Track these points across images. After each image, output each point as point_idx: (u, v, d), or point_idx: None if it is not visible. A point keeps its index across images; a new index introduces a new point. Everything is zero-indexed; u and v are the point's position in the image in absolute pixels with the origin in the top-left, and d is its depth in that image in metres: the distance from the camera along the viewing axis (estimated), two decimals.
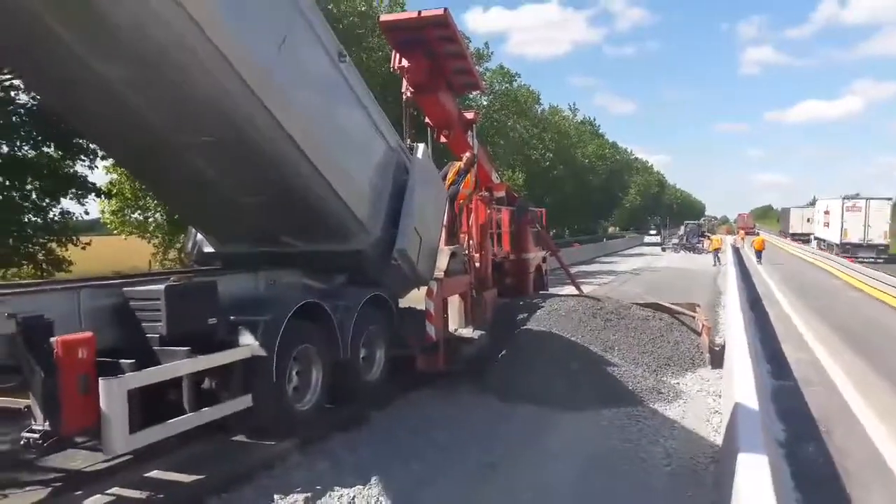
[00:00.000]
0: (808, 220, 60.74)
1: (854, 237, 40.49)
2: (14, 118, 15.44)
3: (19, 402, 4.84)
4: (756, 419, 5.67)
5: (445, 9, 10.19)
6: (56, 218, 17.04)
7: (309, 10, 6.45)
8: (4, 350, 4.66)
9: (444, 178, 10.84)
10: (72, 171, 16.77)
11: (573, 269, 17.59)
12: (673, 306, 11.89)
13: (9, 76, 14.13)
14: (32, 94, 12.73)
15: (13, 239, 16.04)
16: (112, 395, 4.63)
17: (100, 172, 17.63)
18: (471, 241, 10.97)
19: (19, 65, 6.11)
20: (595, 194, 61.23)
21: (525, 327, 10.08)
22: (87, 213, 18.29)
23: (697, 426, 7.54)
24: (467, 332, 9.29)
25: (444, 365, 8.61)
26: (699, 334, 11.04)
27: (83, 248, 17.62)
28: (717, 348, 10.66)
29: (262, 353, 5.98)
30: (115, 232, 23.36)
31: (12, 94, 15.00)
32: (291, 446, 6.25)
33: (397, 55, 10.98)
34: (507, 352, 9.24)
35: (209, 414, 5.58)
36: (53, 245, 17.13)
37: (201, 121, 5.79)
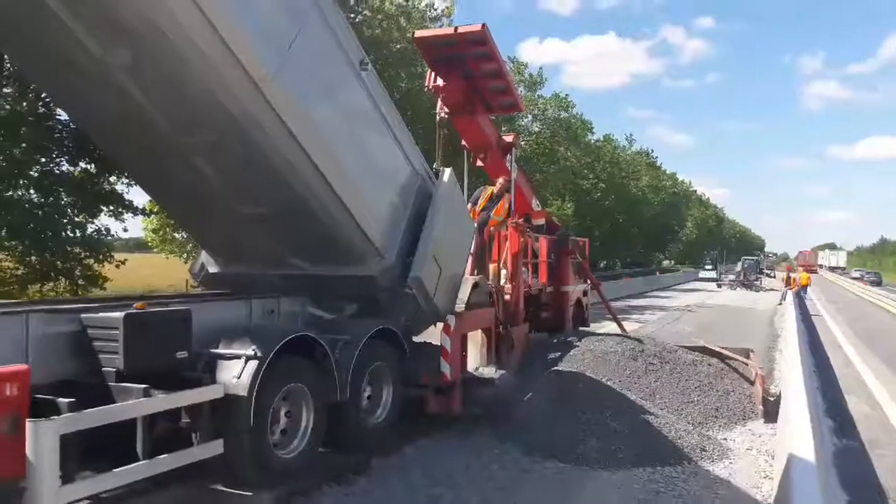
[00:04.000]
0: None
1: None
2: (55, 134, 15.48)
3: None
4: (815, 487, 4.77)
5: (483, 24, 9.72)
6: (93, 234, 16.99)
7: (327, 8, 5.94)
8: None
9: (476, 202, 10.21)
10: (108, 187, 16.71)
11: (622, 304, 16.57)
12: (724, 351, 10.80)
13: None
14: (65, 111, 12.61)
15: (50, 254, 16.01)
16: (41, 440, 3.99)
17: (139, 190, 17.46)
18: (502, 272, 10.22)
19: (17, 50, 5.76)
20: (649, 226, 59.64)
21: (555, 368, 9.17)
22: (125, 230, 18.27)
23: (745, 494, 6.53)
24: (488, 371, 8.47)
25: (459, 408, 7.79)
26: (752, 383, 9.94)
27: (118, 266, 17.50)
28: (772, 399, 9.60)
29: (239, 392, 5.27)
30: (156, 251, 23.43)
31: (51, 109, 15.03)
32: (270, 500, 5.50)
33: (432, 73, 10.54)
34: (533, 396, 8.36)
35: (168, 462, 4.87)
36: (91, 261, 17.06)
37: (203, 119, 5.35)
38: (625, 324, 13.99)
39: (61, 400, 4.30)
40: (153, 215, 20.45)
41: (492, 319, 9.05)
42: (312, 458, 6.11)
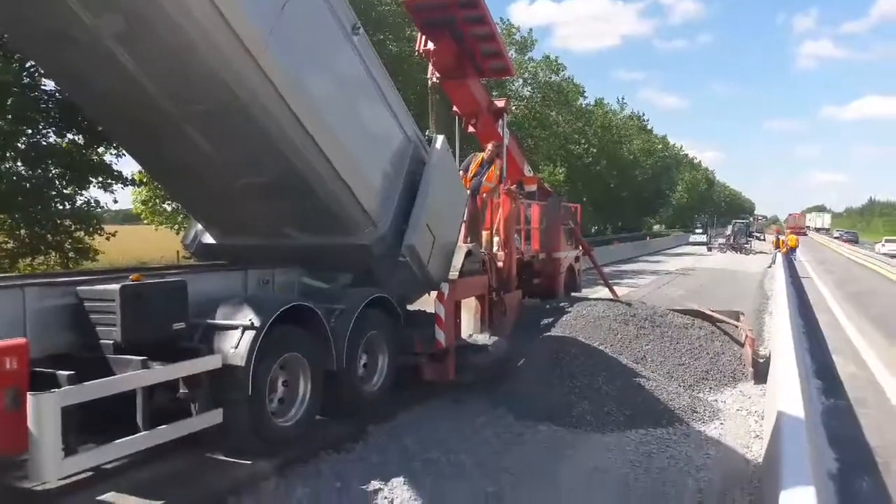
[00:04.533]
0: None
1: None
2: (41, 105, 15.24)
3: None
4: (803, 446, 4.84)
5: None
6: (82, 206, 16.82)
7: None
8: None
9: (467, 169, 10.17)
10: (96, 158, 16.51)
11: (613, 269, 16.65)
12: (714, 314, 10.93)
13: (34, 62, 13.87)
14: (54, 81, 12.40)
15: (39, 227, 15.88)
16: (42, 413, 4.02)
17: (128, 160, 17.28)
18: (494, 238, 10.24)
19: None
20: (641, 191, 59.63)
21: (547, 334, 9.26)
22: (115, 201, 18.10)
23: (735, 453, 6.67)
24: (482, 338, 8.53)
25: (454, 375, 7.87)
26: (742, 345, 10.08)
27: (107, 239, 17.39)
28: (762, 360, 9.74)
29: (237, 362, 5.31)
30: (146, 222, 23.25)
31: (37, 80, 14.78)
32: (269, 467, 5.57)
33: (422, 37, 10.37)
34: (525, 361, 8.45)
35: (168, 432, 4.94)
36: (81, 234, 16.93)
37: (194, 85, 5.30)
38: (616, 288, 14.10)
39: (61, 373, 4.33)
40: (142, 186, 20.25)
41: (485, 286, 9.08)
42: (310, 426, 6.19)
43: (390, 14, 23.02)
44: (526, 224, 11.90)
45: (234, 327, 5.46)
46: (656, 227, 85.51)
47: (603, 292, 13.71)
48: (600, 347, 8.92)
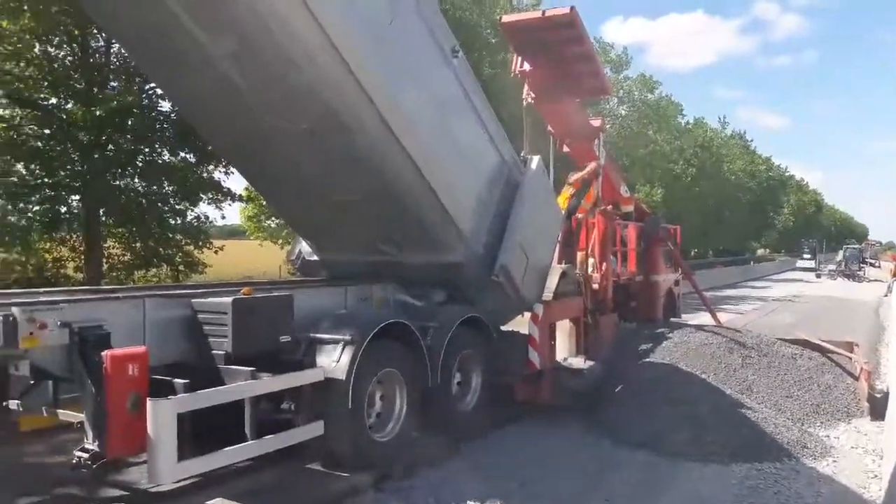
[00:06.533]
0: None
1: None
2: (157, 125, 16.29)
3: (78, 417, 4.60)
4: None
5: (572, 7, 9.49)
6: (192, 221, 17.78)
7: None
8: (61, 361, 4.44)
9: (563, 190, 10.08)
10: (206, 175, 17.45)
11: (715, 294, 16.03)
12: (825, 344, 10.29)
13: (152, 85, 14.88)
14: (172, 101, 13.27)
15: (153, 241, 16.90)
16: (160, 419, 4.26)
17: (236, 178, 18.18)
18: (590, 260, 10.08)
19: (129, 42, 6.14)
20: (743, 213, 57.19)
21: (647, 360, 8.99)
22: (223, 217, 18.99)
23: (851, 493, 6.24)
24: (577, 361, 8.40)
25: (549, 397, 7.77)
26: (856, 378, 9.43)
27: (216, 253, 18.28)
28: (879, 395, 9.06)
29: (338, 376, 5.46)
30: (251, 237, 24.33)
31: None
32: (367, 481, 5.67)
33: (518, 58, 10.41)
34: (624, 387, 8.23)
35: (274, 442, 5.12)
36: (191, 248, 17.90)
37: (298, 104, 5.54)
38: (719, 315, 13.54)
39: (177, 380, 4.57)
40: (249, 202, 21.19)
41: (580, 309, 8.95)
42: (406, 441, 6.26)
43: (486, 35, 23.23)
44: (622, 245, 11.65)
45: (336, 342, 5.61)
46: (760, 252, 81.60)
47: (704, 318, 13.19)
48: (702, 376, 8.58)
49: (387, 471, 5.88)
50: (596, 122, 11.44)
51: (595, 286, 9.75)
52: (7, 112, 14.40)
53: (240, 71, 5.22)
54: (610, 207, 10.99)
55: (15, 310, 4.26)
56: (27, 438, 5.36)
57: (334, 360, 5.51)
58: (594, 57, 10.70)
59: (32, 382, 4.83)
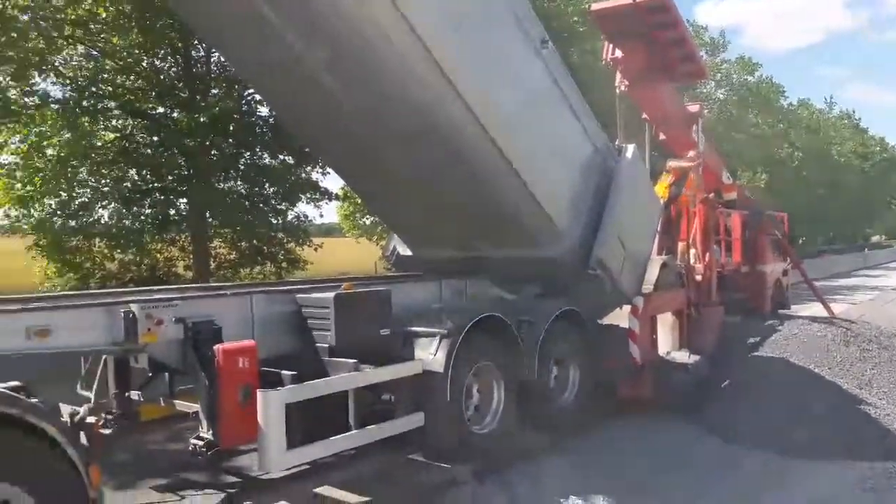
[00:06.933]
0: None
1: None
2: (256, 129, 16.98)
3: (193, 407, 4.85)
4: None
5: None
6: (292, 220, 18.44)
7: None
8: (177, 354, 4.68)
9: (660, 178, 9.78)
10: (304, 176, 18.04)
11: (827, 284, 15.14)
12: None
13: (251, 91, 15.50)
14: (269, 107, 13.79)
15: (257, 240, 17.65)
16: (270, 409, 4.42)
17: (332, 177, 18.75)
18: (691, 251, 9.73)
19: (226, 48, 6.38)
20: (854, 198, 53.67)
21: (756, 354, 8.58)
22: (321, 215, 19.58)
23: None
24: (681, 356, 8.11)
25: (651, 393, 7.54)
26: None
27: (315, 250, 18.88)
28: None
29: (436, 368, 5.51)
30: (347, 235, 24.96)
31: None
32: (468, 472, 5.68)
33: (610, 46, 10.19)
34: (731, 383, 7.90)
35: (376, 432, 5.22)
36: (292, 246, 18.58)
37: (392, 106, 5.59)
38: (832, 305, 12.76)
39: (285, 372, 4.74)
40: (345, 201, 21.74)
41: (682, 301, 8.66)
42: (504, 435, 6.24)
43: (574, 23, 22.82)
44: (726, 235, 11.17)
45: (433, 335, 5.66)
46: (875, 238, 76.33)
47: (815, 309, 12.45)
48: (816, 370, 8.10)
49: (486, 463, 5.87)
50: (694, 108, 11.09)
51: (698, 277, 9.40)
52: (120, 123, 15.42)
53: (334, 76, 5.32)
54: (711, 195, 10.57)
55: (134, 307, 4.52)
56: (148, 427, 5.67)
57: (431, 353, 5.56)
58: (689, 40, 10.33)
59: (150, 375, 5.13)
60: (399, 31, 4.97)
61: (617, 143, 8.24)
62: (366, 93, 5.50)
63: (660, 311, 8.16)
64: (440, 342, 5.60)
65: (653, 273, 8.05)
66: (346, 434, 5.05)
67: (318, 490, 5.26)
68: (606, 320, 7.89)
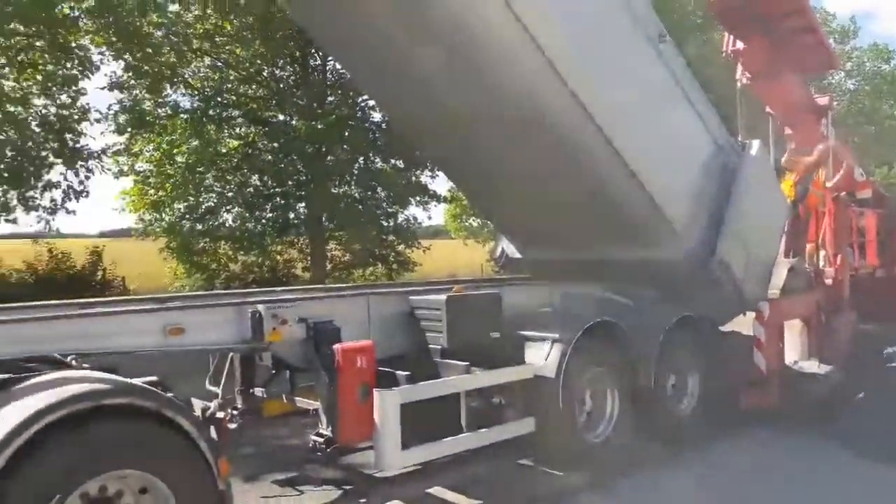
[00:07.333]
0: None
1: None
2: (370, 135, 17.47)
3: (313, 404, 5.02)
4: None
5: None
6: (402, 223, 18.84)
7: None
8: (299, 353, 4.87)
9: (786, 175, 9.23)
10: (415, 179, 18.38)
11: None
12: None
13: (365, 97, 15.97)
14: (382, 112, 14.13)
15: (370, 243, 18.16)
16: (386, 408, 4.52)
17: (441, 179, 19.01)
18: (821, 253, 9.11)
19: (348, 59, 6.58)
20: None
21: (893, 365, 7.92)
22: (429, 218, 19.88)
23: None
24: (810, 365, 7.61)
25: (778, 404, 7.11)
26: None
27: (424, 252, 19.19)
28: None
29: (547, 374, 5.44)
30: (454, 236, 25.23)
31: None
32: (581, 480, 5.57)
33: (730, 38, 9.74)
34: (867, 395, 7.33)
35: (488, 436, 5.23)
36: (402, 247, 18.99)
37: (505, 111, 5.57)
38: None
39: (400, 373, 4.84)
40: (452, 202, 21.97)
41: (811, 307, 8.11)
42: (620, 443, 6.08)
43: (691, 15, 21.98)
44: (860, 236, 10.38)
45: (544, 339, 5.60)
46: None
47: None
48: None
49: (600, 472, 5.74)
50: (823, 100, 10.42)
51: (829, 282, 8.78)
52: (243, 130, 16.30)
53: (447, 80, 5.37)
54: (843, 193, 9.85)
55: (261, 307, 4.74)
56: (270, 423, 5.94)
57: (543, 358, 5.50)
58: (818, 28, 9.70)
59: (273, 372, 5.37)
60: (510, 29, 4.94)
61: (740, 138, 7.85)
62: (477, 97, 5.50)
63: (787, 318, 7.68)
64: (552, 347, 5.54)
65: (779, 277, 7.60)
66: (460, 436, 5.08)
67: (429, 491, 5.35)
68: (728, 327, 7.53)
